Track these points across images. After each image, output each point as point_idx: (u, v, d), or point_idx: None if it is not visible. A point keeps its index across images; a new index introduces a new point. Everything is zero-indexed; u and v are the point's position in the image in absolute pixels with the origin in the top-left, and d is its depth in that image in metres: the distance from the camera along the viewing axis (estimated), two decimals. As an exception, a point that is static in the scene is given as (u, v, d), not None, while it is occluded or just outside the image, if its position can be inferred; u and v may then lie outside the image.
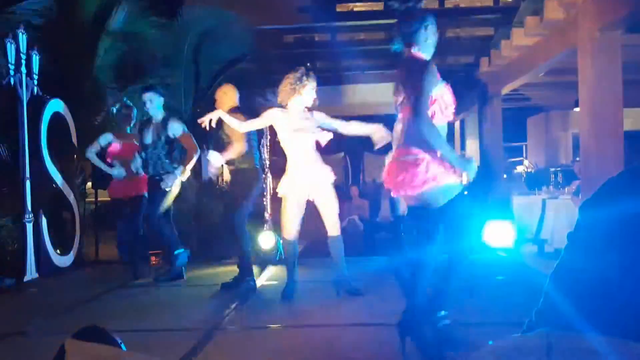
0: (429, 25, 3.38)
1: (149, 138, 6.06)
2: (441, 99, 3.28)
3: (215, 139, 5.90)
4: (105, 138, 6.60)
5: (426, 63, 3.31)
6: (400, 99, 3.46)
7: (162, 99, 6.17)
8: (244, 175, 5.71)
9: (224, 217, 6.26)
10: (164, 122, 6.04)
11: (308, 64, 13.85)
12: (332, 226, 5.11)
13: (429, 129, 3.16)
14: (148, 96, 6.10)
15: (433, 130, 3.17)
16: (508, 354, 0.76)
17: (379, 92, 13.55)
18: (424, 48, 3.40)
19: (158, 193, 5.99)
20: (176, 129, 6.01)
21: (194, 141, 6.01)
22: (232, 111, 5.71)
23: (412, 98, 3.24)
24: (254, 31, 10.33)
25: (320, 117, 5.10)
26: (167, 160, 6.01)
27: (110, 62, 8.49)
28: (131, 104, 7.05)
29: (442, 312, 3.42)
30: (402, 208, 6.55)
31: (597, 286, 0.82)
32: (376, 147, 5.00)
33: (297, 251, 5.30)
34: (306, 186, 5.02)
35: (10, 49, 6.35)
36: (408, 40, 3.39)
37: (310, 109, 5.12)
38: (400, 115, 3.55)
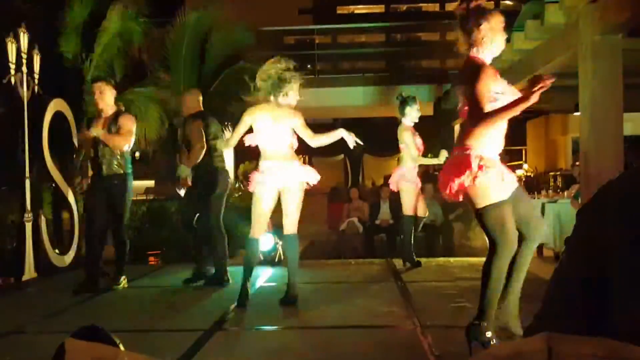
0: (483, 23, 3.27)
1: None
2: (502, 99, 3.21)
3: (180, 143, 5.87)
4: None
5: (480, 66, 3.24)
6: (461, 102, 3.40)
7: (114, 91, 5.70)
8: (209, 174, 5.71)
9: (181, 215, 6.24)
10: (116, 117, 5.59)
11: (309, 66, 13.89)
12: (290, 224, 4.95)
13: (483, 131, 3.13)
14: (98, 86, 5.59)
15: (485, 133, 3.15)
16: (507, 358, 0.76)
17: (380, 95, 13.56)
18: (484, 49, 3.31)
19: (119, 195, 5.64)
20: (129, 124, 5.59)
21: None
22: (194, 116, 5.79)
23: (468, 102, 3.21)
24: (255, 32, 10.34)
25: (297, 123, 4.88)
26: (122, 158, 5.59)
27: (109, 61, 8.50)
28: None
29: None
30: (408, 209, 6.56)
31: (596, 290, 0.82)
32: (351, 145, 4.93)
33: (258, 252, 5.17)
34: (278, 184, 4.85)
35: (11, 48, 6.35)
36: (466, 41, 3.33)
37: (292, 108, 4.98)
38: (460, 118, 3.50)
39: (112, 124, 5.56)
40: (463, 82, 3.33)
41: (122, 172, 5.63)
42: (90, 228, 5.81)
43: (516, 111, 3.14)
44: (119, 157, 5.59)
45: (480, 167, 3.17)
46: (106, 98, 5.61)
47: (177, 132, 6.75)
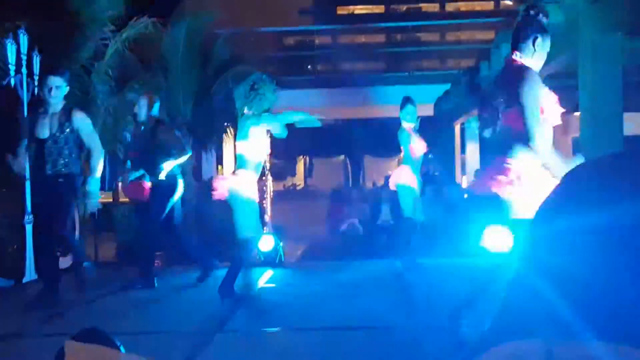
0: (538, 37, 3.28)
1: (45, 131, 5.17)
2: (547, 105, 3.20)
3: (150, 150, 5.82)
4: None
5: (525, 69, 3.23)
6: (501, 105, 3.35)
7: (67, 88, 5.35)
8: (165, 186, 5.81)
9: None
10: (67, 113, 5.22)
11: (309, 67, 13.91)
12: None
13: (536, 139, 3.13)
14: (53, 81, 5.17)
15: (541, 140, 3.16)
16: (507, 358, 0.76)
17: (380, 96, 13.56)
18: (531, 57, 3.31)
19: (62, 196, 5.22)
20: (85, 123, 5.28)
21: (99, 141, 5.41)
22: (162, 122, 5.98)
23: (516, 108, 3.18)
24: (255, 33, 10.35)
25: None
26: (70, 158, 5.23)
27: (108, 64, 8.49)
28: None
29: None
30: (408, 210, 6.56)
31: (595, 291, 0.80)
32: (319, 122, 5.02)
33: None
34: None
35: (11, 49, 6.36)
36: (514, 46, 3.33)
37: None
38: (501, 121, 3.42)
39: (65, 123, 5.19)
40: (509, 87, 3.27)
41: (68, 172, 5.22)
42: (40, 233, 5.50)
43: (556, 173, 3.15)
44: (67, 157, 5.21)
45: (525, 178, 3.15)
46: (60, 94, 5.24)
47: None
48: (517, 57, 3.32)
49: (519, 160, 3.20)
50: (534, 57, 3.31)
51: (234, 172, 5.03)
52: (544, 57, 3.35)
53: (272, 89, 4.95)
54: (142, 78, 9.01)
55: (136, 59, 9.09)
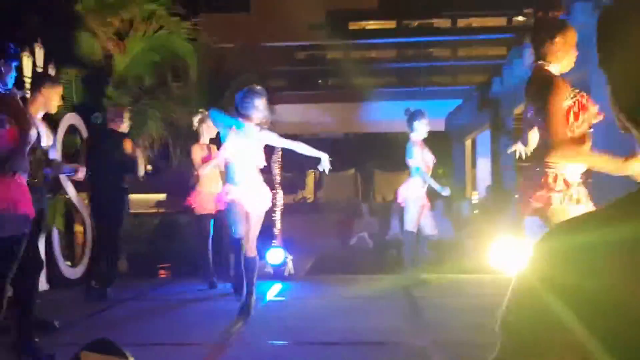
0: (557, 36, 3.14)
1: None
2: (576, 106, 3.10)
3: (113, 160, 5.85)
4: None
5: (553, 78, 3.13)
6: (529, 113, 3.28)
7: None
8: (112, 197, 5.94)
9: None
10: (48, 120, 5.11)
11: (320, 81, 13.97)
12: (250, 248, 4.98)
13: (560, 146, 2.98)
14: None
15: (564, 146, 2.99)
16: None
17: (391, 111, 13.58)
18: (555, 61, 3.18)
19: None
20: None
21: None
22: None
23: (539, 114, 3.11)
24: (266, 48, 10.42)
25: (267, 136, 5.01)
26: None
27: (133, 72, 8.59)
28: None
29: None
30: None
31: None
32: (322, 169, 5.12)
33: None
34: (245, 201, 4.94)
35: (27, 63, 6.43)
36: (536, 52, 3.22)
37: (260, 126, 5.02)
38: (529, 130, 3.37)
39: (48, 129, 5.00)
40: (534, 95, 3.19)
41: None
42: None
43: (601, 169, 3.10)
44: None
45: (561, 188, 3.04)
46: None
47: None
48: (539, 63, 3.21)
49: (555, 170, 3.06)
50: (555, 59, 3.17)
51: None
52: (568, 56, 3.19)
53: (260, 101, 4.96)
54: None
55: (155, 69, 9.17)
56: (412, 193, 6.48)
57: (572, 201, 3.06)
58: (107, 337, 3.20)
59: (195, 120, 6.39)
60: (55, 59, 6.85)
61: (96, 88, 8.19)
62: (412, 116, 6.49)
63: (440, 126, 13.04)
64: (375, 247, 10.54)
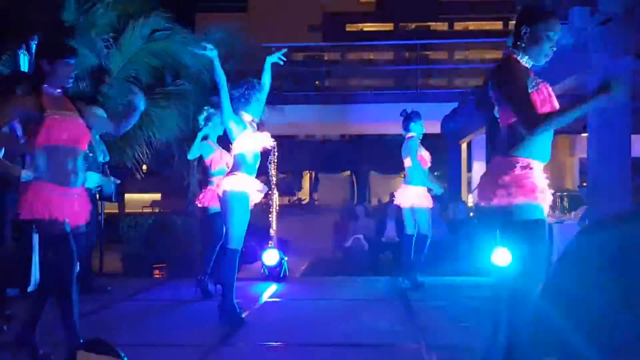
0: (530, 29, 3.07)
1: None
2: (540, 94, 3.00)
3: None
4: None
5: (512, 62, 3.08)
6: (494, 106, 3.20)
7: None
8: None
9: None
10: None
11: (317, 83, 13.98)
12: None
13: (535, 118, 2.87)
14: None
15: (538, 116, 2.88)
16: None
17: (387, 113, 13.60)
18: (521, 51, 3.12)
19: None
20: None
21: None
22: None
23: (508, 105, 3.02)
24: (264, 48, 10.42)
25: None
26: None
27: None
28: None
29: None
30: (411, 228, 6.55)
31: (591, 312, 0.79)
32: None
33: None
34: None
35: (24, 60, 6.41)
36: (511, 42, 3.16)
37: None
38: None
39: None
40: (497, 85, 3.10)
41: None
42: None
43: (581, 111, 2.94)
44: None
45: (523, 181, 2.97)
46: None
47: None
48: (508, 50, 3.15)
49: (517, 162, 3.00)
50: (525, 51, 3.10)
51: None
52: (538, 47, 3.11)
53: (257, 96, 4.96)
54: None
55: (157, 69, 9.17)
56: (414, 198, 6.45)
57: (537, 193, 2.99)
58: (102, 337, 3.19)
59: (202, 118, 6.24)
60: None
61: (93, 87, 8.19)
62: (409, 117, 6.48)
63: (436, 129, 13.06)
64: (370, 249, 10.54)
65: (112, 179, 6.20)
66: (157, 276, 8.60)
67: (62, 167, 3.51)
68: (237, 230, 4.71)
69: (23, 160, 5.25)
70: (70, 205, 3.54)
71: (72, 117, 3.56)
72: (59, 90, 3.55)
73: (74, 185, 3.56)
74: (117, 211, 11.20)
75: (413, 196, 6.47)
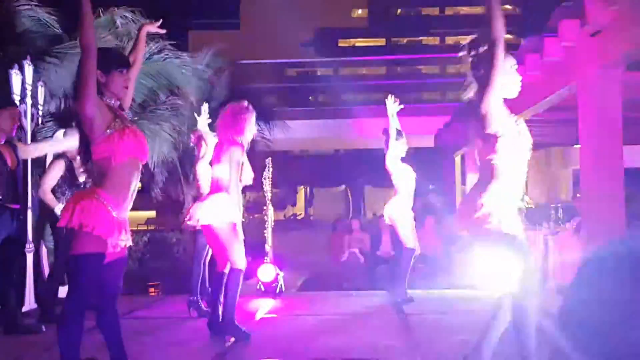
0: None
1: None
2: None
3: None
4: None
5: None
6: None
7: None
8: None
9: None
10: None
11: (310, 98, 14.03)
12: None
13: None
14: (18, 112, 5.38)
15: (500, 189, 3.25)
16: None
17: (381, 127, 13.65)
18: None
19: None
20: None
21: None
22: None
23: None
24: (257, 65, 10.50)
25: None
26: None
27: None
28: None
29: None
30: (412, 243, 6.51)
31: (604, 322, 0.81)
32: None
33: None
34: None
35: (16, 80, 6.41)
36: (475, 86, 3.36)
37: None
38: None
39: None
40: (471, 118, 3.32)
41: None
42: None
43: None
44: None
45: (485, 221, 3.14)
46: None
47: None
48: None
49: (489, 195, 3.18)
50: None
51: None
52: (507, 90, 3.36)
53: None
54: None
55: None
56: (398, 210, 6.46)
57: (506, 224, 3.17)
58: (97, 357, 3.17)
59: (193, 137, 6.18)
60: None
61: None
62: (390, 136, 6.51)
63: (430, 142, 13.11)
64: (366, 263, 10.53)
65: None
66: (152, 294, 8.56)
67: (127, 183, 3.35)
68: (236, 253, 4.70)
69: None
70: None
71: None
72: (115, 102, 3.30)
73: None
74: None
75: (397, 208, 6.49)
